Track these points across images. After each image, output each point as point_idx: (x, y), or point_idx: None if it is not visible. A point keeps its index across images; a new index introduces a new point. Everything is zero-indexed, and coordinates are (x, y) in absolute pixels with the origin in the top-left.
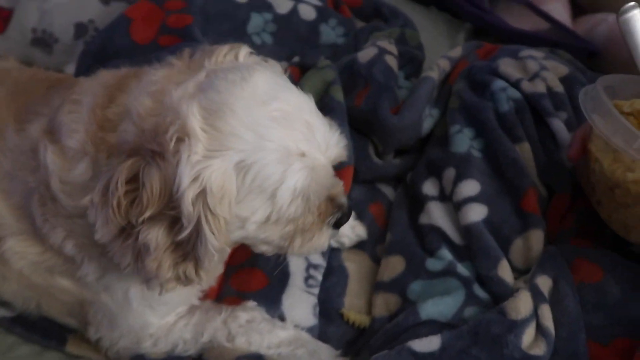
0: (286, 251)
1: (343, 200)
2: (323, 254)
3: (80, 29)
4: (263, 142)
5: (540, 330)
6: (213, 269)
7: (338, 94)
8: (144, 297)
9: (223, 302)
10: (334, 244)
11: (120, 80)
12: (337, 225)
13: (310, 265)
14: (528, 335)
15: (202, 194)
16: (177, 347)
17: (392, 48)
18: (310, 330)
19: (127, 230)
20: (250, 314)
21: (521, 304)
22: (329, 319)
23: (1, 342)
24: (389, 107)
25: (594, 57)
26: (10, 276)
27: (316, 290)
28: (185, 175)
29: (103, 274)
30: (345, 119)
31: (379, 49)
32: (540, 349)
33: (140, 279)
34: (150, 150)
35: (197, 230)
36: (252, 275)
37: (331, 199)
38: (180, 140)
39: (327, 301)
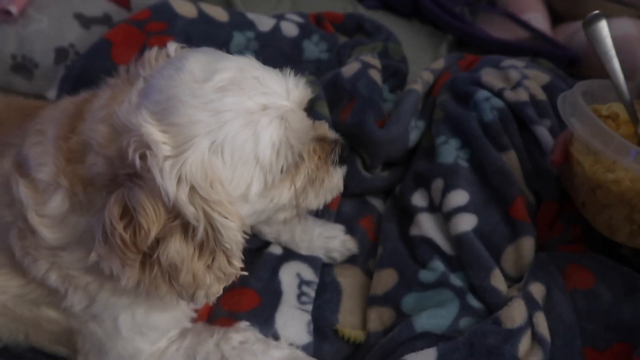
0: (306, 208)
1: (333, 135)
2: (315, 269)
3: (60, 54)
4: (222, 115)
5: (535, 338)
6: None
7: (324, 109)
8: (134, 323)
9: (215, 323)
10: (326, 260)
11: (79, 107)
12: (340, 160)
13: (302, 282)
14: (524, 344)
15: (193, 190)
16: None
17: (376, 62)
18: (305, 348)
19: (147, 261)
20: (243, 334)
21: (516, 313)
22: (323, 336)
23: None
24: (375, 120)
25: (575, 65)
26: None
27: (309, 307)
28: (168, 182)
29: (90, 303)
30: None
31: (363, 63)
32: (536, 357)
33: (187, 300)
34: (126, 175)
35: (211, 224)
36: (244, 295)
37: (321, 139)
38: (143, 154)
39: (321, 318)
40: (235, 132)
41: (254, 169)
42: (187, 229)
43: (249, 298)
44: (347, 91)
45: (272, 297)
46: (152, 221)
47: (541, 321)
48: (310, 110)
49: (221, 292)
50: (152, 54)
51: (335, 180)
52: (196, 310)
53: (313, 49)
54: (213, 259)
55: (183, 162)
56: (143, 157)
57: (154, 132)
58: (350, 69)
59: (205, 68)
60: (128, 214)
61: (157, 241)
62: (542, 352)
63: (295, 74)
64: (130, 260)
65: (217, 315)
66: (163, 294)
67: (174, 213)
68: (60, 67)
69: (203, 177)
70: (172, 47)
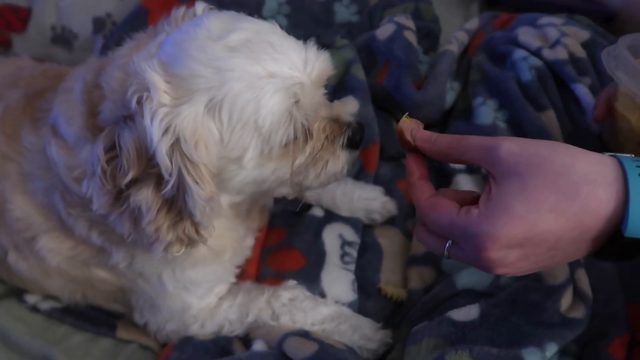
0: (305, 186)
1: (348, 117)
2: (356, 230)
3: (98, 24)
4: (225, 74)
5: (577, 294)
6: (230, 229)
7: (359, 73)
8: (176, 279)
9: (263, 283)
10: (366, 221)
11: (104, 63)
12: (352, 144)
13: (345, 243)
14: (566, 300)
15: (177, 144)
16: (223, 328)
17: (410, 23)
18: (350, 305)
19: (120, 198)
20: (292, 292)
21: (557, 270)
22: (367, 295)
23: (55, 332)
24: (412, 82)
25: (611, 21)
26: (52, 272)
27: (352, 267)
28: (155, 128)
29: (132, 260)
30: (369, 97)
31: (397, 24)
32: (579, 313)
33: (145, 246)
34: (122, 117)
35: (180, 183)
36: (290, 256)
37: (335, 120)
38: (141, 98)
39: (363, 277)
40: (236, 93)
41: (252, 134)
42: (160, 180)
43: (295, 258)
44: (383, 54)
45: (316, 258)
46: (133, 164)
47: (583, 278)
48: (347, 74)
49: (181, 251)
50: (179, 12)
51: (340, 164)
52: (239, 267)
53: (344, 11)
54: (180, 220)
55: (176, 114)
56: (140, 101)
57: (157, 79)
58: (384, 31)
59: (223, 27)
60: (114, 151)
61: (133, 182)
62: (585, 307)
63: (324, 44)
64: (106, 191)
65: (265, 275)
66: (126, 233)
67: (154, 162)
68: (98, 37)
69: (191, 134)
70: (200, 6)
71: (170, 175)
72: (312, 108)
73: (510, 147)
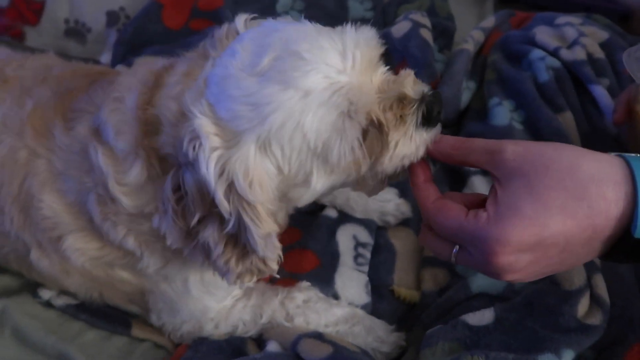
0: (383, 174)
1: (416, 91)
2: (370, 232)
3: (111, 17)
4: (262, 109)
5: (594, 299)
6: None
7: None
8: (202, 284)
9: (277, 284)
10: (380, 223)
11: (157, 77)
12: (430, 120)
13: (358, 244)
14: (583, 305)
15: (232, 186)
16: (237, 328)
17: (426, 21)
18: (364, 307)
19: (191, 234)
20: (306, 294)
21: (574, 274)
22: (379, 296)
23: (69, 329)
24: (428, 82)
25: (626, 20)
26: (73, 271)
27: (366, 268)
28: (211, 173)
29: (164, 265)
30: None
31: (413, 22)
32: (596, 319)
33: (220, 275)
34: (184, 160)
35: (240, 221)
36: (304, 257)
37: (403, 97)
38: (195, 145)
39: (376, 278)
40: (279, 125)
41: (310, 158)
42: (223, 219)
43: (309, 259)
44: (398, 52)
45: (330, 259)
46: (198, 205)
47: (600, 283)
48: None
49: (253, 282)
50: (222, 32)
51: (413, 145)
52: None
53: (358, 7)
54: (247, 254)
55: (228, 157)
56: (194, 148)
57: (206, 124)
58: (400, 28)
59: (254, 49)
60: (179, 191)
61: (200, 220)
62: (602, 313)
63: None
64: (178, 228)
65: (278, 276)
66: (199, 264)
67: (215, 202)
68: (111, 31)
69: (244, 175)
70: (241, 20)
71: (230, 214)
72: (365, 103)
73: (515, 149)
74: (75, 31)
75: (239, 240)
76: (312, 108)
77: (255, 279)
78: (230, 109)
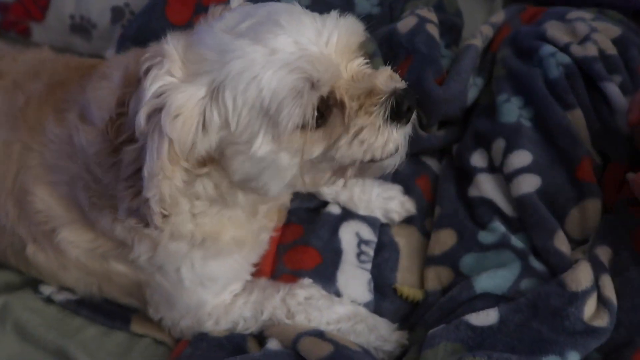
0: (338, 163)
1: (388, 84)
2: (374, 229)
3: (116, 13)
4: (226, 56)
5: (602, 301)
6: (250, 223)
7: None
8: (194, 273)
9: (278, 280)
10: (384, 220)
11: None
12: (398, 116)
13: (361, 241)
14: (589, 307)
15: (158, 111)
16: (238, 325)
17: (432, 16)
18: (366, 305)
19: (116, 151)
20: (307, 291)
21: (581, 275)
22: (382, 294)
23: (69, 324)
24: (434, 78)
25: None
26: (69, 265)
27: (369, 266)
28: (149, 90)
29: (154, 252)
30: None
31: (419, 17)
32: (603, 321)
33: (118, 203)
34: (137, 80)
35: (144, 150)
36: (306, 254)
37: (372, 90)
38: (152, 64)
39: (379, 276)
40: (236, 73)
41: (260, 118)
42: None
43: (311, 256)
44: (404, 47)
45: (333, 256)
46: (131, 124)
47: (608, 284)
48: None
49: (138, 226)
50: (217, 9)
51: (381, 138)
52: (255, 265)
53: (364, 3)
54: (140, 192)
55: (175, 87)
56: (151, 66)
57: (174, 53)
58: (406, 23)
59: (239, 18)
60: (123, 108)
61: (128, 141)
62: (609, 315)
63: (344, 16)
64: (107, 139)
65: (280, 272)
66: (106, 181)
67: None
68: (117, 27)
69: (176, 107)
70: (236, 2)
71: (141, 135)
72: (328, 80)
73: None
74: (81, 27)
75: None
76: (275, 66)
77: (142, 228)
78: (199, 53)
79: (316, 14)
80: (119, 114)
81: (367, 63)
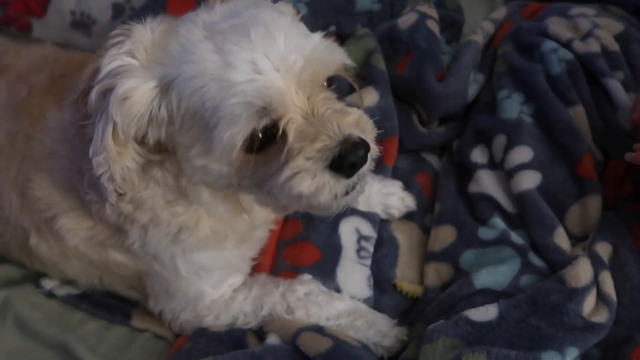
0: (276, 197)
1: (344, 131)
2: (373, 225)
3: (117, 9)
4: (185, 56)
5: (601, 297)
6: (231, 215)
7: (380, 63)
8: (187, 262)
9: (278, 276)
10: (383, 216)
11: None
12: (339, 167)
13: (361, 237)
14: (589, 303)
15: (109, 91)
16: (237, 320)
17: (433, 12)
18: (366, 301)
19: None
20: (307, 286)
21: (581, 272)
22: (382, 290)
23: (70, 318)
24: (435, 74)
25: None
26: (70, 254)
27: (368, 262)
28: (105, 68)
29: (145, 239)
30: (389, 88)
31: (420, 13)
32: (602, 317)
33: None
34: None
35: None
36: (305, 250)
37: (324, 131)
38: (120, 39)
39: (379, 272)
40: (185, 77)
41: (200, 128)
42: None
43: (310, 252)
44: (404, 43)
45: (332, 252)
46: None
47: (607, 281)
48: (367, 64)
49: (94, 199)
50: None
51: (314, 184)
52: (254, 260)
53: (365, 0)
54: None
55: (131, 70)
56: (117, 42)
57: (143, 35)
58: (407, 20)
59: (227, 13)
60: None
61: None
62: (608, 311)
63: (344, 33)
64: (79, 106)
65: (280, 268)
66: (79, 145)
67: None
68: (117, 23)
69: (125, 91)
70: None
71: (91, 112)
72: (286, 110)
73: None
74: (81, 23)
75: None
76: (222, 83)
77: (99, 200)
78: (168, 41)
79: (298, 32)
80: (89, 87)
81: (332, 92)
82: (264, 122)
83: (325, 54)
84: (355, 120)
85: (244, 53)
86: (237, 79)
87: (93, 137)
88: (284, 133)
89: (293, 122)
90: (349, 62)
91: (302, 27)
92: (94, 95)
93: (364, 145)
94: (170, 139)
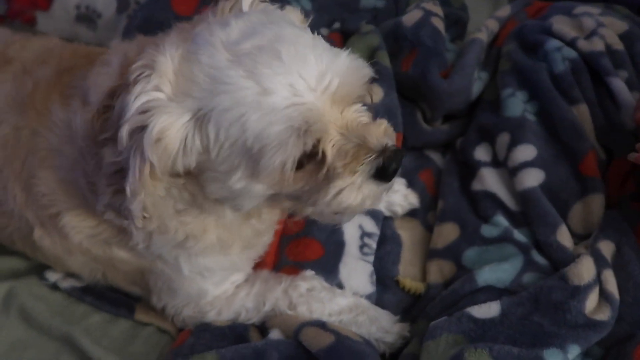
0: (312, 210)
1: (381, 141)
2: (377, 222)
3: (122, 3)
4: (217, 87)
5: (603, 295)
6: (242, 225)
7: (385, 60)
8: (191, 263)
9: (280, 272)
10: (387, 213)
11: (151, 43)
12: (382, 174)
13: (364, 234)
14: (591, 301)
15: (141, 130)
16: (240, 315)
17: (438, 10)
18: (368, 297)
19: (98, 144)
20: (310, 283)
21: (584, 270)
22: (384, 287)
23: (74, 311)
24: (439, 71)
25: None
26: (74, 250)
27: (371, 259)
28: (134, 104)
29: (149, 242)
30: (393, 85)
31: (425, 11)
32: (604, 315)
33: (98, 192)
34: (127, 80)
35: (127, 164)
36: (308, 246)
37: (364, 144)
38: (144, 71)
39: (382, 269)
40: (223, 109)
41: (241, 155)
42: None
43: (313, 248)
44: (409, 41)
45: (335, 248)
46: (114, 125)
47: (610, 279)
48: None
49: (114, 219)
50: (227, 3)
51: (359, 196)
52: (256, 259)
53: None
54: (123, 192)
55: (160, 106)
56: (141, 74)
57: (167, 66)
58: (411, 17)
59: (244, 31)
60: (113, 100)
61: (109, 139)
62: (611, 309)
63: (348, 30)
64: (92, 128)
65: (283, 264)
66: (89, 169)
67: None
68: (122, 17)
69: (159, 131)
70: (249, 0)
71: (123, 151)
72: (315, 130)
73: None
74: (86, 17)
75: (118, 171)
76: (263, 110)
77: (120, 221)
78: (191, 70)
79: (324, 48)
80: (106, 106)
81: (364, 110)
82: (310, 144)
83: (357, 70)
84: (385, 130)
85: (279, 77)
86: (279, 104)
87: (128, 176)
88: (323, 152)
89: (332, 140)
90: (374, 75)
91: (324, 42)
92: (124, 134)
93: (400, 151)
94: (201, 167)
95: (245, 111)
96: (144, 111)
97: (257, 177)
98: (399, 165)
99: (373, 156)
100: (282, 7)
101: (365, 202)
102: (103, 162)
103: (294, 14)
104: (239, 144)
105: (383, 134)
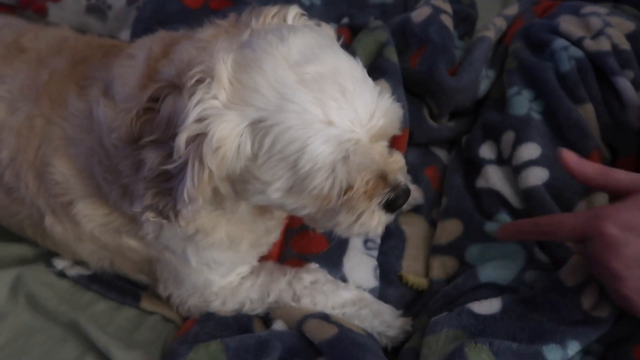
0: (332, 227)
1: (397, 178)
2: None
3: None
4: (285, 104)
5: (603, 292)
6: (252, 222)
7: (392, 56)
8: (199, 256)
9: (285, 264)
10: None
11: (177, 39)
12: (390, 207)
13: None
14: (590, 298)
15: (200, 137)
16: (244, 306)
17: (447, 6)
18: (371, 291)
19: (137, 144)
20: (314, 275)
21: (584, 268)
22: (388, 281)
23: (80, 298)
24: (447, 68)
25: None
26: (85, 237)
27: (375, 253)
28: (193, 112)
29: (159, 232)
30: (400, 81)
31: (434, 7)
32: (604, 312)
33: (131, 196)
34: (175, 83)
35: (183, 170)
36: (313, 239)
37: (383, 177)
38: (201, 80)
39: (385, 264)
40: (288, 126)
41: (288, 170)
42: (172, 154)
43: (318, 242)
44: (418, 37)
45: (339, 242)
46: (160, 128)
47: None
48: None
49: (154, 219)
50: (271, 10)
51: (373, 221)
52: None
53: None
54: (168, 196)
55: (219, 114)
56: (200, 81)
57: (224, 74)
58: (420, 13)
59: (304, 52)
60: (155, 103)
61: (150, 141)
62: (611, 306)
63: (356, 25)
64: (129, 129)
65: (287, 256)
66: (124, 170)
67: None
68: (132, 9)
69: (219, 139)
70: (292, 12)
71: (178, 158)
72: (360, 165)
73: None
74: (96, 8)
75: (171, 180)
76: (326, 137)
77: (157, 219)
78: (255, 80)
79: (370, 83)
80: (147, 108)
81: (387, 145)
82: (355, 177)
83: (396, 112)
84: (401, 167)
85: (343, 112)
86: (340, 137)
87: (185, 184)
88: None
89: (365, 172)
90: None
91: (366, 74)
92: (181, 143)
93: (408, 191)
94: (244, 173)
95: (309, 135)
96: (201, 119)
97: (296, 193)
98: (404, 202)
99: (388, 190)
100: (318, 24)
101: (377, 227)
102: (144, 165)
103: (329, 31)
104: (289, 160)
105: (399, 171)
